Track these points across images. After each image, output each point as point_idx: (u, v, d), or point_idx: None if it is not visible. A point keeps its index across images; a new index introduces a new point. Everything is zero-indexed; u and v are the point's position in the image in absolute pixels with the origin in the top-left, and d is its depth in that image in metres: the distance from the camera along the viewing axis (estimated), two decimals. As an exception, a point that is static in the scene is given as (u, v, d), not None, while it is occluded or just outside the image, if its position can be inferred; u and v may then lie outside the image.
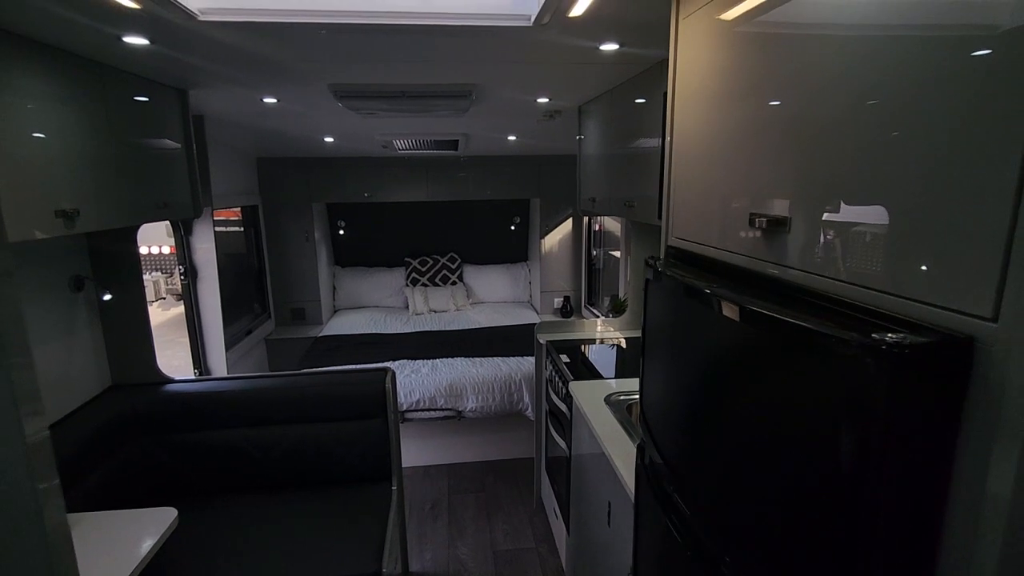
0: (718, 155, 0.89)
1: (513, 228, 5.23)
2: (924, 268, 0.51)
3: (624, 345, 2.79)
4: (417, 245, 5.10)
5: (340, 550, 1.90)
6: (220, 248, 3.09)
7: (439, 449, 3.53)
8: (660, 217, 1.84)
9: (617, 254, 4.16)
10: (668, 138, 1.06)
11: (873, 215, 0.57)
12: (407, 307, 4.82)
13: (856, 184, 0.61)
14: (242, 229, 4.07)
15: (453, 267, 5.05)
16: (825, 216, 0.64)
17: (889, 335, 0.47)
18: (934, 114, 0.52)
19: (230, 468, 2.25)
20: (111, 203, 1.82)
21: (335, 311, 4.90)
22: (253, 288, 4.19)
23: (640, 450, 1.12)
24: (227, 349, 3.23)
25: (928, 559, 0.52)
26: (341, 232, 5.02)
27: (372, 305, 4.93)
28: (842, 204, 0.62)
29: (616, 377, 2.30)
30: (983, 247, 0.46)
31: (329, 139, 3.60)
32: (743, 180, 0.83)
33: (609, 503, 1.75)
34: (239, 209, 3.97)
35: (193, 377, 2.85)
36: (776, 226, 0.71)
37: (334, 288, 4.93)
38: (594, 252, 4.77)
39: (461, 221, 5.14)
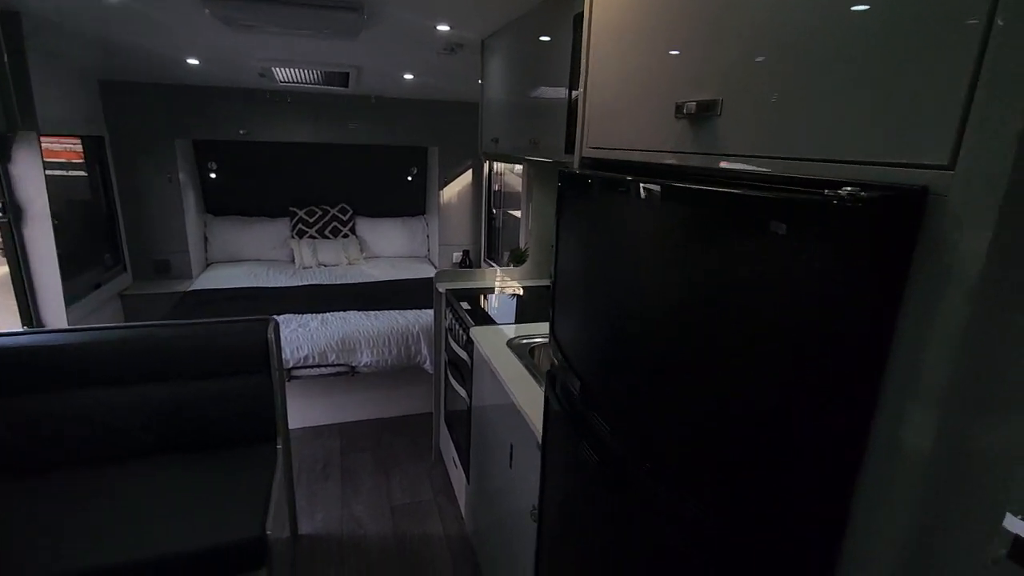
0: (640, 45, 0.82)
1: (410, 179, 4.98)
2: (876, 125, 0.47)
3: (523, 294, 2.76)
4: (303, 193, 4.67)
5: (218, 516, 1.69)
6: (62, 194, 2.58)
7: (331, 408, 3.33)
8: (567, 151, 1.78)
9: (517, 214, 4.11)
10: (586, 34, 0.97)
11: (817, 76, 0.52)
12: (293, 261, 4.44)
13: (798, 47, 0.56)
14: (86, 174, 3.44)
15: (345, 219, 4.72)
16: (763, 86, 0.59)
17: (843, 189, 0.43)
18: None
19: (79, 436, 1.91)
20: None
21: (207, 264, 4.39)
22: (102, 236, 3.59)
23: (551, 377, 1.07)
24: (68, 305, 2.74)
25: (862, 428, 0.50)
26: (212, 175, 4.45)
27: (252, 258, 4.48)
28: (781, 70, 0.57)
29: (514, 323, 2.26)
30: (942, 90, 0.42)
31: (193, 61, 3.11)
32: (668, 68, 0.76)
33: (511, 445, 1.72)
34: (81, 149, 3.34)
35: (21, 330, 2.39)
36: (705, 111, 0.66)
37: (206, 239, 4.40)
38: (494, 211, 4.69)
39: (353, 169, 4.78)
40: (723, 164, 0.64)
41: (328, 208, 4.67)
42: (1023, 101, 0.38)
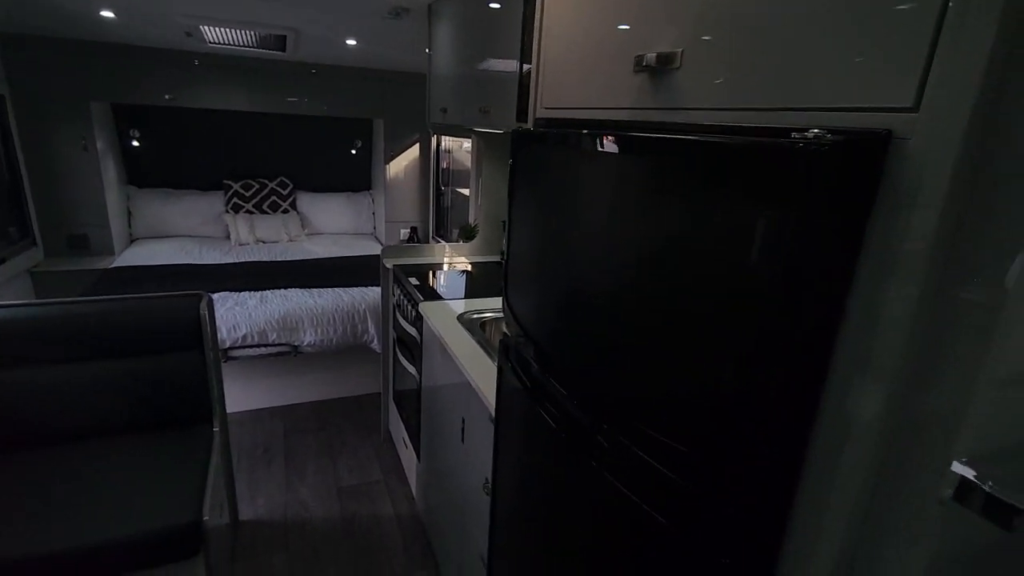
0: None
1: (354, 152, 4.78)
2: (841, 69, 0.46)
3: (473, 270, 2.72)
4: (238, 165, 4.40)
5: (151, 502, 1.59)
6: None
7: (273, 390, 3.19)
8: (520, 119, 1.74)
9: (466, 192, 4.04)
10: (541, -11, 0.93)
11: (780, 21, 0.51)
12: (228, 237, 4.19)
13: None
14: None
15: (284, 193, 4.49)
16: (725, 36, 0.57)
17: (810, 131, 0.41)
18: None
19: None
20: None
21: (132, 240, 4.08)
22: (4, 207, 3.25)
23: (504, 346, 1.05)
24: (-34, 282, 2.48)
25: (819, 382, 0.50)
26: (135, 144, 4.11)
27: (183, 234, 4.19)
28: (744, 18, 0.55)
29: (464, 299, 2.22)
30: (908, 30, 0.41)
31: (108, 14, 2.82)
32: (626, 21, 0.73)
33: (463, 419, 1.70)
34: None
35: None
36: (666, 64, 0.64)
37: (129, 213, 4.08)
38: (442, 188, 4.59)
39: (293, 141, 4.54)
40: (684, 118, 0.62)
41: (266, 181, 4.43)
42: (987, 38, 0.38)
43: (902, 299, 0.44)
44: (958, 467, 0.47)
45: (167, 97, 3.68)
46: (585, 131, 0.66)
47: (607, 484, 0.70)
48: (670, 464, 0.62)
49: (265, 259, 3.75)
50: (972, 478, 0.47)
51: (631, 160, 0.62)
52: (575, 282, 0.75)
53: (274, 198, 4.44)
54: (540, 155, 0.84)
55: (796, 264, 0.46)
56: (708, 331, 0.56)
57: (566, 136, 0.76)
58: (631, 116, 0.71)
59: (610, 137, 0.62)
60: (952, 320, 0.44)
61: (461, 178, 4.36)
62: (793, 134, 0.42)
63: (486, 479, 1.52)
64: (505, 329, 1.05)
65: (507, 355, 1.00)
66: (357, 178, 4.85)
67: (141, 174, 4.18)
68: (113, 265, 3.48)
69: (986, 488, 0.45)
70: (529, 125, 0.98)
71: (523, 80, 1.70)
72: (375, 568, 2.14)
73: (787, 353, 0.50)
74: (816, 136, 0.41)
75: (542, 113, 0.95)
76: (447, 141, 4.43)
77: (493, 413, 1.38)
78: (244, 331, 2.79)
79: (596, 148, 0.68)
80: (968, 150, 0.40)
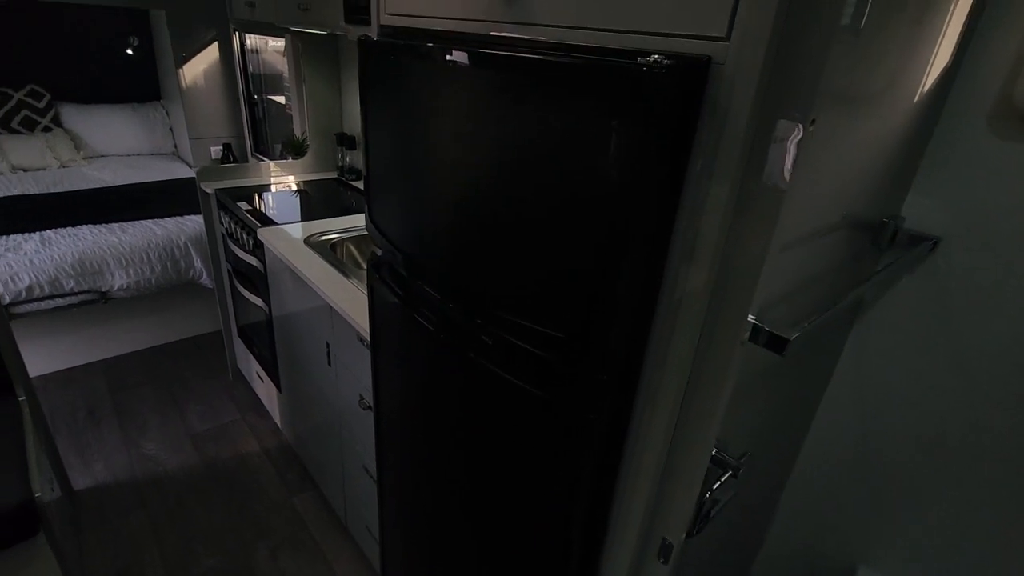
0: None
1: (131, 52, 3.93)
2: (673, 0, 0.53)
3: (307, 190, 2.53)
4: (-40, 70, 3.37)
5: None
6: None
7: (84, 345, 2.77)
8: (349, 20, 1.60)
9: (281, 100, 3.60)
10: None
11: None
12: (-31, 167, 3.29)
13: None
14: None
15: (40, 106, 3.58)
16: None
17: (651, 56, 0.49)
18: None
19: None
20: None
21: None
22: None
23: (374, 265, 1.05)
24: None
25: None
26: None
27: None
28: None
29: (306, 221, 2.09)
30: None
31: None
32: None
33: (327, 343, 1.68)
34: None
35: None
36: (517, -24, 0.65)
37: None
38: (255, 97, 4.02)
39: (41, 36, 3.56)
40: (535, 33, 0.66)
41: (9, 92, 3.48)
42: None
43: (718, 196, 0.56)
44: (751, 318, 0.64)
45: None
46: (431, 44, 0.66)
47: (487, 373, 0.80)
48: (542, 346, 0.73)
49: (32, 192, 3.04)
50: (759, 323, 0.64)
51: (483, 74, 0.65)
52: (441, 192, 0.79)
53: (27, 112, 3.52)
54: (391, 66, 0.82)
55: (640, 169, 0.55)
56: (568, 231, 0.65)
57: (416, 48, 0.75)
58: (482, 28, 0.73)
59: (460, 52, 0.63)
60: (748, 208, 0.58)
61: (273, 83, 3.86)
62: (639, 58, 0.49)
63: (360, 395, 1.56)
64: (374, 248, 1.06)
65: (378, 271, 1.02)
66: (142, 85, 4.03)
67: None
68: None
69: (767, 328, 0.63)
70: (374, 32, 0.93)
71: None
72: (252, 501, 2.12)
73: (634, 245, 0.61)
74: (655, 60, 0.49)
75: (387, 20, 0.90)
76: (252, 39, 3.84)
77: (360, 332, 1.40)
78: (27, 282, 2.32)
79: (447, 62, 0.69)
80: (766, 77, 0.50)
